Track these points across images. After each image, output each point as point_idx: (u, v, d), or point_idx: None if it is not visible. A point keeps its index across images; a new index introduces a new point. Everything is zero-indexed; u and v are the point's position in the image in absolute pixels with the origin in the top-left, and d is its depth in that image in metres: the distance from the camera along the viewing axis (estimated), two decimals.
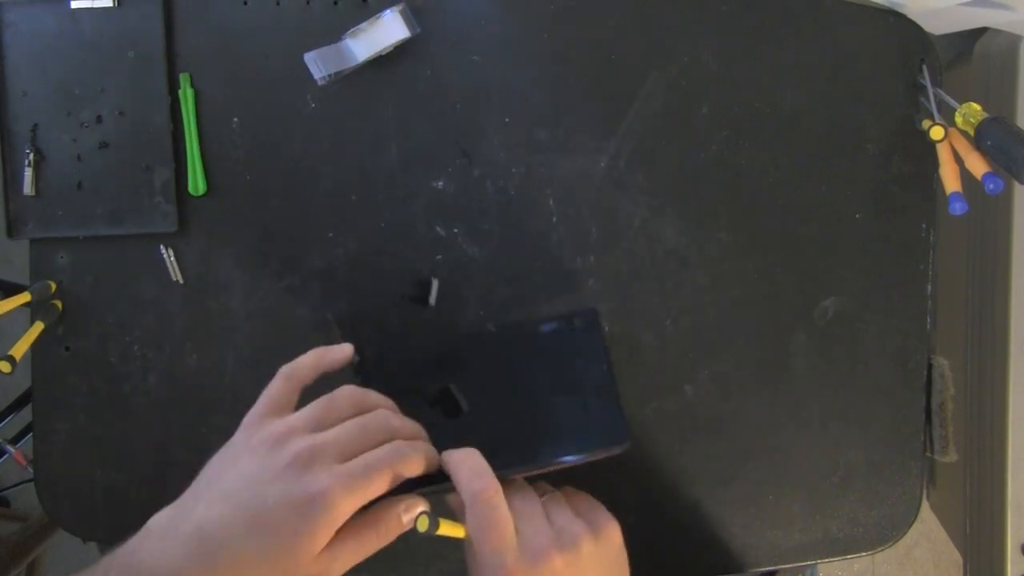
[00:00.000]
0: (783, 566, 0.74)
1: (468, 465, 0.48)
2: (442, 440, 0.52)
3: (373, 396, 0.51)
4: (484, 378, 0.64)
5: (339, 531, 0.44)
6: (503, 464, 0.52)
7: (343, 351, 0.54)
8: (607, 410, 0.62)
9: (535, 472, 0.57)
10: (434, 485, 0.50)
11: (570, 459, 0.58)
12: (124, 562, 0.43)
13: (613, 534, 0.52)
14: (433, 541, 0.47)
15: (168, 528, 0.44)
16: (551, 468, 0.57)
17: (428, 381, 0.64)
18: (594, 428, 0.61)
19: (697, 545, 0.73)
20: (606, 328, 0.70)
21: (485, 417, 0.62)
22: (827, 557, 0.73)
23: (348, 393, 0.50)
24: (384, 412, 0.49)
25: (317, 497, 0.42)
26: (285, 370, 0.52)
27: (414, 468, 0.47)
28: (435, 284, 0.69)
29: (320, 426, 0.47)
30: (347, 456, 0.45)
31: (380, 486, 0.45)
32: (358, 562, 0.46)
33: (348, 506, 0.43)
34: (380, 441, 0.47)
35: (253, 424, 0.48)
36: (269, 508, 0.42)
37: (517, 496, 0.51)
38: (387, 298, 0.70)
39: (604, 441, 0.60)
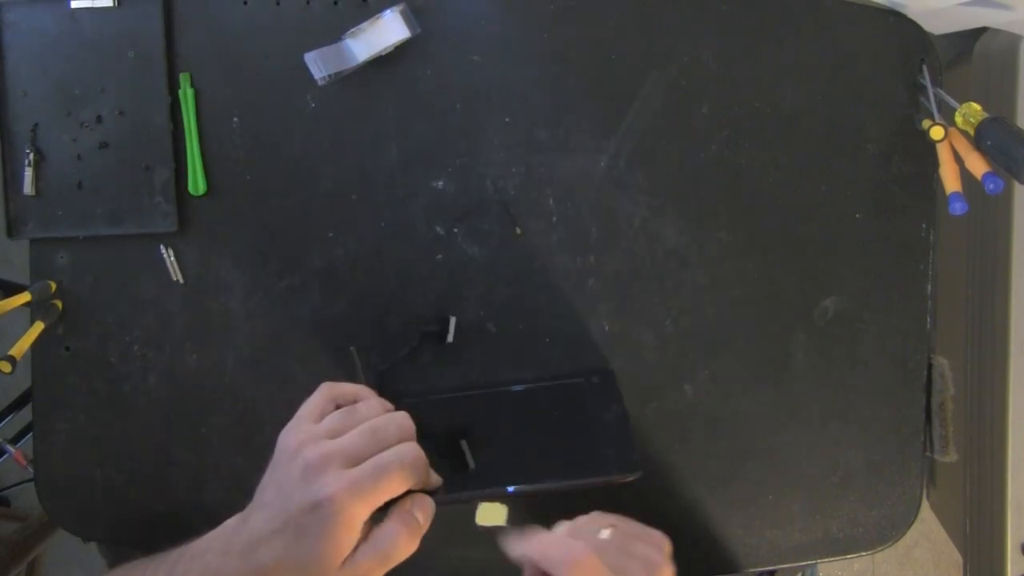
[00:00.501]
0: (783, 566, 0.74)
1: (551, 542, 0.48)
2: (447, 488, 0.52)
3: (397, 412, 0.52)
4: (496, 434, 0.67)
5: (360, 540, 0.46)
6: (512, 481, 0.53)
7: (385, 406, 0.55)
8: (620, 440, 0.63)
9: (543, 490, 0.57)
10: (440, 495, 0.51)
11: (580, 482, 0.58)
12: (193, 557, 0.48)
13: (668, 546, 0.53)
14: (427, 542, 0.48)
15: (231, 535, 0.47)
16: (560, 487, 0.58)
17: (441, 431, 0.65)
18: (606, 455, 0.62)
19: (697, 545, 0.73)
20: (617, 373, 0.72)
21: (492, 473, 0.64)
22: (827, 557, 0.73)
23: (371, 404, 0.51)
24: (400, 414, 0.50)
25: (324, 501, 0.44)
26: (325, 384, 0.54)
27: (422, 471, 0.48)
28: (452, 321, 0.70)
29: (338, 434, 0.48)
30: (358, 460, 0.46)
31: (390, 487, 0.46)
32: (386, 568, 0.47)
33: (359, 508, 0.45)
34: (393, 444, 0.48)
35: (286, 433, 0.50)
36: (294, 514, 0.45)
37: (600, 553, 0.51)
38: (409, 337, 0.71)
39: (616, 468, 0.60)
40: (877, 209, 0.71)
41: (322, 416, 0.51)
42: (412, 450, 0.48)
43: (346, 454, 0.46)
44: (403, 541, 0.46)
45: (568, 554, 0.46)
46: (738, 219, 0.71)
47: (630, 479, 0.60)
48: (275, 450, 0.49)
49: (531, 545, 0.48)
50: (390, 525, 0.47)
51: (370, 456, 0.47)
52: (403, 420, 0.50)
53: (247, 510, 0.48)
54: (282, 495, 0.46)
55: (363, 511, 0.45)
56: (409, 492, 0.48)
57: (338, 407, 0.53)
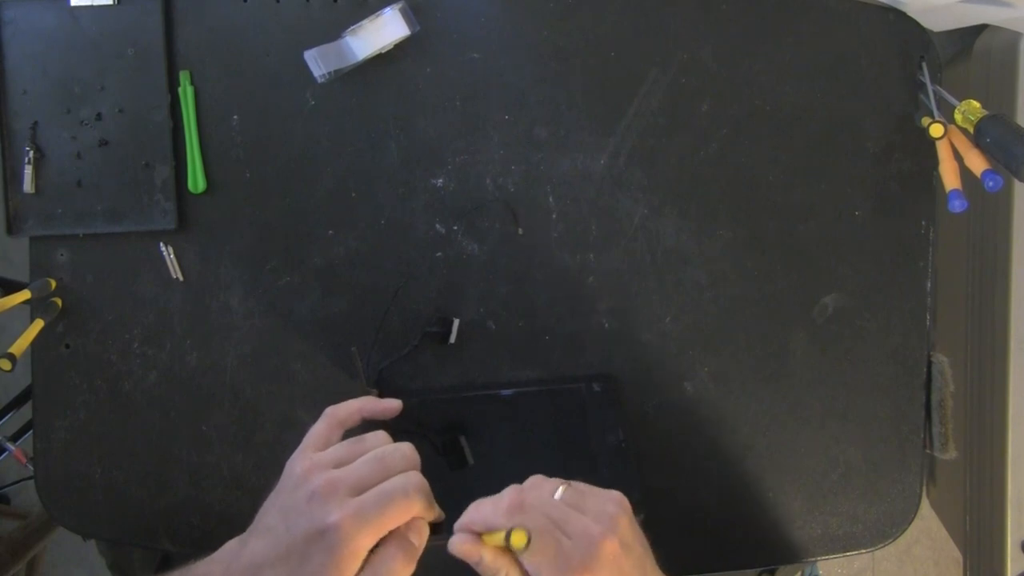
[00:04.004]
0: (783, 564, 0.75)
1: (480, 513, 0.48)
2: (444, 490, 0.52)
3: (403, 443, 0.52)
4: (495, 434, 0.67)
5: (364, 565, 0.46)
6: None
7: (391, 405, 0.56)
8: (621, 472, 0.63)
9: None
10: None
11: None
12: None
13: (626, 503, 0.52)
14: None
15: (232, 558, 0.47)
16: None
17: (440, 429, 0.65)
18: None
19: (696, 542, 0.73)
20: (623, 388, 0.72)
21: (490, 473, 0.64)
22: (827, 554, 0.73)
23: (378, 435, 0.51)
24: (406, 445, 0.50)
25: (330, 529, 0.44)
26: (329, 410, 0.54)
27: (426, 501, 0.48)
28: (456, 323, 0.70)
29: (345, 463, 0.48)
30: (363, 489, 0.47)
31: (395, 515, 0.46)
32: None
33: (363, 537, 0.45)
34: (398, 474, 0.48)
35: (292, 461, 0.50)
36: (298, 541, 0.45)
37: (546, 508, 0.50)
38: (409, 335, 0.71)
39: None
40: (877, 207, 0.71)
41: (328, 443, 0.51)
42: (416, 479, 0.48)
43: (352, 482, 0.46)
44: (399, 565, 0.46)
45: (496, 513, 0.46)
46: (738, 217, 0.71)
47: None
48: (281, 477, 0.50)
49: (465, 518, 0.48)
50: (386, 550, 0.47)
51: (375, 485, 0.47)
52: (408, 451, 0.50)
53: (247, 533, 0.48)
54: (286, 521, 0.46)
55: (368, 540, 0.45)
56: None
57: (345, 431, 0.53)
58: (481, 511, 0.48)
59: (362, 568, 0.46)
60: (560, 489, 0.49)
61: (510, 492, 0.49)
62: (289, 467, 0.49)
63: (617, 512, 0.49)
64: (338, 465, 0.48)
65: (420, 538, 0.48)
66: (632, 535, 0.49)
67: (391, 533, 0.47)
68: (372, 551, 0.47)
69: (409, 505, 0.46)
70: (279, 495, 0.48)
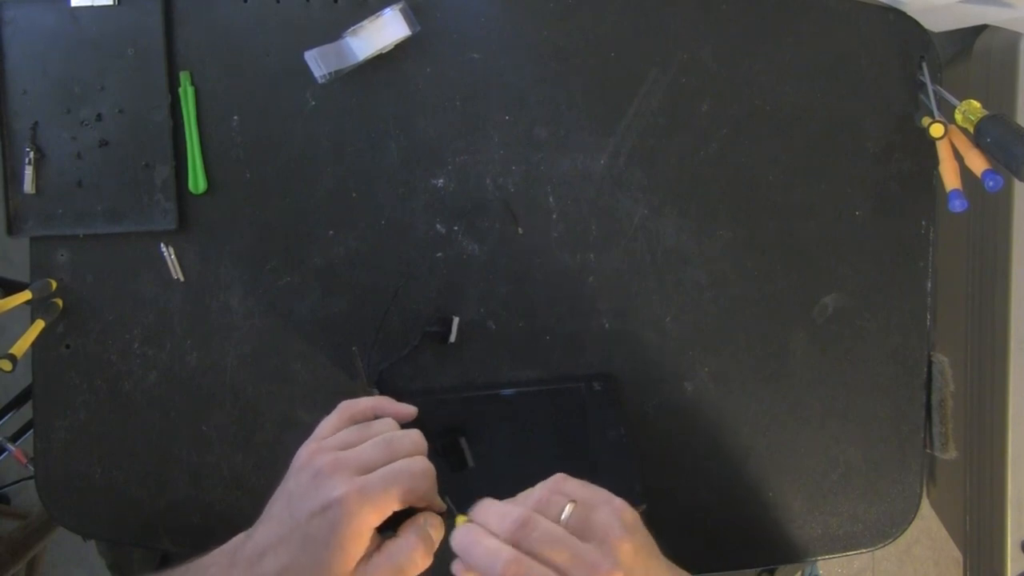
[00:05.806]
0: (783, 564, 0.75)
1: (477, 546, 0.45)
2: (444, 491, 0.51)
3: (412, 429, 0.52)
4: (496, 434, 0.67)
5: (372, 552, 0.46)
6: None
7: (406, 411, 0.55)
8: (622, 466, 0.63)
9: None
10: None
11: None
12: (199, 570, 0.47)
13: (630, 516, 0.50)
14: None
15: (237, 548, 0.47)
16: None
17: (440, 430, 0.66)
18: (607, 482, 0.61)
19: (696, 542, 0.73)
20: (623, 385, 0.72)
21: (490, 473, 0.64)
22: (827, 554, 0.73)
23: (386, 421, 0.52)
24: (415, 432, 0.50)
25: (334, 504, 0.44)
26: (343, 404, 0.54)
27: (431, 487, 0.48)
28: (455, 321, 0.70)
29: (351, 446, 0.48)
30: (369, 470, 0.46)
31: (400, 496, 0.46)
32: None
33: (368, 514, 0.44)
34: (405, 457, 0.48)
35: (301, 450, 0.50)
36: (302, 521, 0.44)
37: (549, 548, 0.46)
38: (409, 335, 0.71)
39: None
40: (877, 206, 0.71)
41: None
42: (423, 463, 0.47)
43: (359, 462, 0.46)
44: (419, 556, 0.46)
45: (494, 566, 0.42)
46: (738, 217, 0.71)
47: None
48: (288, 469, 0.50)
49: (460, 541, 0.45)
50: (407, 539, 0.46)
51: (384, 464, 0.47)
52: (417, 437, 0.49)
53: (254, 526, 0.48)
54: (291, 505, 0.46)
55: (372, 518, 0.45)
56: (417, 511, 0.48)
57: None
58: (479, 550, 0.44)
59: (379, 553, 0.46)
60: (568, 508, 0.46)
61: (515, 519, 0.45)
62: (296, 456, 0.49)
63: (621, 534, 0.46)
64: (344, 448, 0.48)
65: (438, 534, 0.47)
66: (634, 558, 0.45)
67: (410, 522, 0.47)
68: (389, 539, 0.46)
69: (413, 487, 0.46)
70: (285, 483, 0.48)
